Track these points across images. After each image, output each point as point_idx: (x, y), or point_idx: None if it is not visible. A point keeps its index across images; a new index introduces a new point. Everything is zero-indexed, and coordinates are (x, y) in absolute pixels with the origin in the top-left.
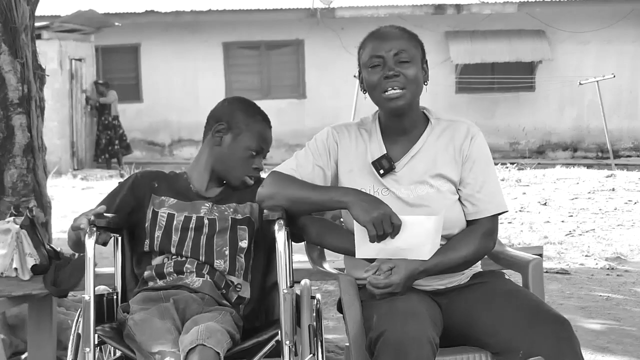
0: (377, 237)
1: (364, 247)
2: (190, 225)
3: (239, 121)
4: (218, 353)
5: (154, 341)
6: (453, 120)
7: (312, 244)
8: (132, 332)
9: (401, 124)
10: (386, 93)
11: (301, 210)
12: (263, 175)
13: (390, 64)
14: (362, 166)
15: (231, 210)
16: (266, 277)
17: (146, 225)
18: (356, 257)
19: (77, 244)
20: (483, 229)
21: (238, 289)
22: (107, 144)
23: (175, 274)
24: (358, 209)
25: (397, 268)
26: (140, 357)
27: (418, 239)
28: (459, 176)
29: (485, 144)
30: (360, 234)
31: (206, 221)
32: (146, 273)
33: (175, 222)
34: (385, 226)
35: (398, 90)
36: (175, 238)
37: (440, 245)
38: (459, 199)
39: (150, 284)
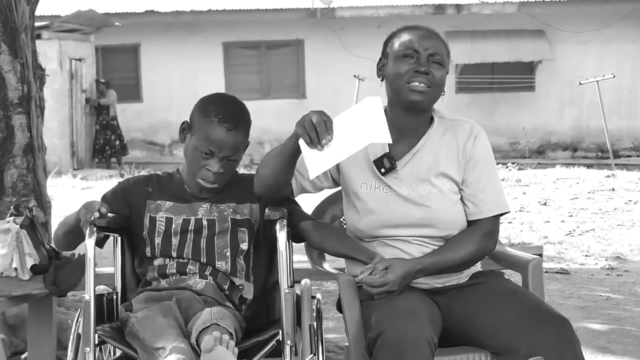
0: (311, 138)
1: (314, 161)
2: (190, 228)
3: (194, 121)
4: (231, 334)
5: (158, 337)
6: (456, 119)
7: (313, 248)
8: (135, 330)
9: (409, 122)
10: (411, 84)
11: (277, 170)
12: None
13: (424, 61)
14: (364, 163)
15: (230, 210)
16: (268, 277)
17: (144, 233)
18: (310, 177)
19: (70, 233)
20: (484, 230)
21: (240, 289)
22: (104, 144)
23: (178, 274)
24: (296, 126)
25: (392, 267)
26: (144, 355)
27: (366, 122)
28: (462, 176)
29: (488, 144)
30: (304, 149)
31: (205, 222)
32: (149, 274)
33: (174, 225)
34: (314, 118)
35: (424, 87)
36: (175, 241)
37: (440, 245)
38: (461, 199)
39: (154, 284)
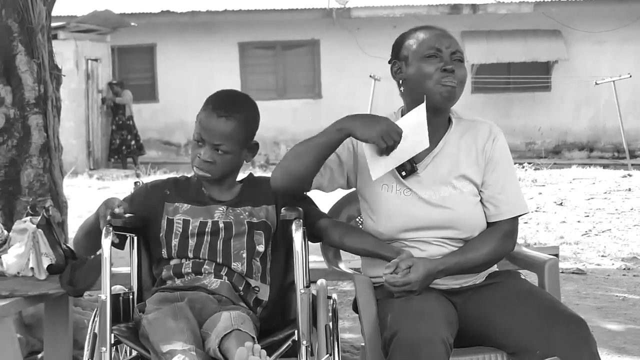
0: (387, 149)
1: (376, 166)
2: (206, 230)
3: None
4: (253, 338)
5: (165, 341)
6: (475, 120)
7: (333, 247)
8: (146, 332)
9: (429, 125)
10: (443, 81)
11: (310, 165)
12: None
13: (448, 59)
14: None
15: (247, 213)
16: (284, 278)
17: (161, 235)
18: (373, 178)
19: (89, 234)
20: (503, 231)
21: (256, 291)
22: (120, 144)
23: (193, 274)
24: (362, 129)
25: (415, 266)
26: (155, 357)
27: (413, 134)
28: (481, 178)
29: (507, 145)
30: (371, 154)
31: (222, 225)
32: (164, 273)
33: (190, 227)
34: (394, 135)
35: (455, 83)
36: (192, 243)
37: (459, 246)
38: (480, 201)
39: (169, 282)
